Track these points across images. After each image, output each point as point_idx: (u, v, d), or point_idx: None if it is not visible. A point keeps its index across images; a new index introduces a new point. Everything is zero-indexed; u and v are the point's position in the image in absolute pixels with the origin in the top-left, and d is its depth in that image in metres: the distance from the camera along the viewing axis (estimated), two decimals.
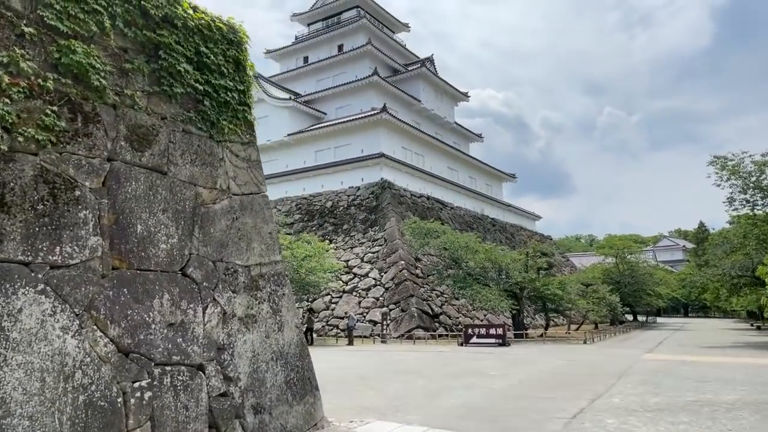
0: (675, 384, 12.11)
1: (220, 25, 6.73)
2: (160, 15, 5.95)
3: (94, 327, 4.82)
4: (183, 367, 5.49)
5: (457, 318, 34.11)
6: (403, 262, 33.71)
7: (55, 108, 4.88)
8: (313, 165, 44.51)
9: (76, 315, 4.70)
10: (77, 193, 4.90)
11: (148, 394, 5.07)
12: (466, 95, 60.19)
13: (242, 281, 6.55)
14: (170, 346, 5.42)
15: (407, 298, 31.50)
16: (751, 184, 25.84)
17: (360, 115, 43.77)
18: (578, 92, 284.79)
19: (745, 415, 8.42)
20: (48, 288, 4.52)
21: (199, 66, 6.42)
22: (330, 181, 42.88)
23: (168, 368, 5.34)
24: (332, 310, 33.63)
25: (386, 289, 32.96)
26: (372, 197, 39.63)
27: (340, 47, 53.80)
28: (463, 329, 27.50)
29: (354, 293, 33.90)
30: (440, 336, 29.90)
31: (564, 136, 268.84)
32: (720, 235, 36.83)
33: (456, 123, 59.19)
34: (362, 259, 35.89)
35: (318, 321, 32.99)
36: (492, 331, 26.36)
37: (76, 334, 4.67)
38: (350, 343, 27.02)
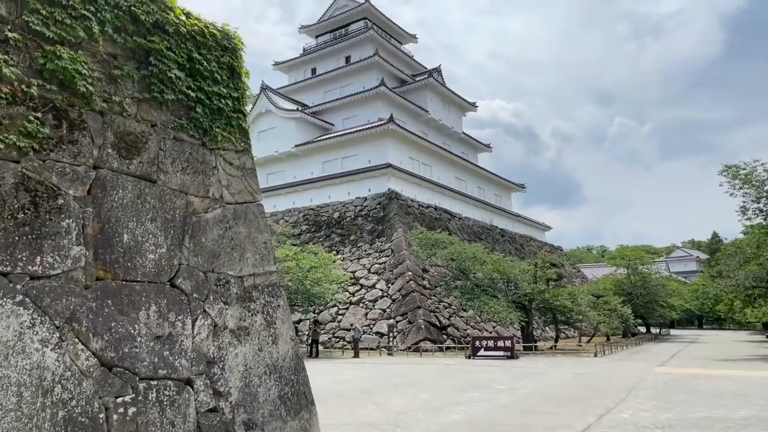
0: (687, 399, 11.72)
1: (214, 31, 6.63)
2: (151, 21, 5.85)
3: (76, 340, 4.66)
4: (170, 382, 5.30)
5: (466, 330, 33.69)
6: (410, 273, 33.43)
7: (38, 114, 4.77)
8: (320, 176, 44.52)
9: (57, 327, 4.54)
10: (60, 201, 4.77)
11: (132, 410, 4.89)
12: (474, 105, 60.11)
13: (235, 292, 6.38)
14: (156, 359, 5.24)
15: (414, 309, 31.17)
16: (765, 193, 25.35)
17: (367, 126, 43.79)
18: (588, 102, 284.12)
19: None
20: (27, 299, 4.38)
21: (192, 72, 6.31)
22: (337, 192, 42.82)
23: (153, 383, 5.15)
24: (339, 321, 33.36)
25: (393, 300, 32.66)
26: (379, 208, 39.48)
27: (348, 59, 54.05)
28: (471, 341, 27.10)
29: (361, 305, 33.63)
30: (448, 348, 29.50)
31: (574, 146, 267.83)
32: (733, 245, 36.17)
33: (464, 133, 59.07)
34: (369, 270, 35.65)
35: (324, 333, 32.73)
36: (500, 343, 25.94)
37: (56, 347, 4.51)
38: (356, 355, 26.71)
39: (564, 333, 42.06)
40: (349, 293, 34.30)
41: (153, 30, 5.91)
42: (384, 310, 32.41)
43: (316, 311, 32.95)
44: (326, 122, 49.63)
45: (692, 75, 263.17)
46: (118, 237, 5.21)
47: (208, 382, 5.72)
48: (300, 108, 49.01)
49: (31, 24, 4.83)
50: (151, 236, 5.52)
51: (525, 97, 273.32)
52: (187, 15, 6.39)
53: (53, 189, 4.75)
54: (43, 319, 4.46)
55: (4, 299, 4.21)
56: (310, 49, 58.25)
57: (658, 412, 9.97)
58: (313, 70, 56.41)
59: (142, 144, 5.67)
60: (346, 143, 44.09)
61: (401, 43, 60.59)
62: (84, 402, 4.59)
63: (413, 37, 62.90)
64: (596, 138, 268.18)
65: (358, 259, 37.04)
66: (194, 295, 5.84)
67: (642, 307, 47.79)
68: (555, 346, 32.52)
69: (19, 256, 4.39)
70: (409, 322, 30.79)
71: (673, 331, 68.84)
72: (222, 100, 6.62)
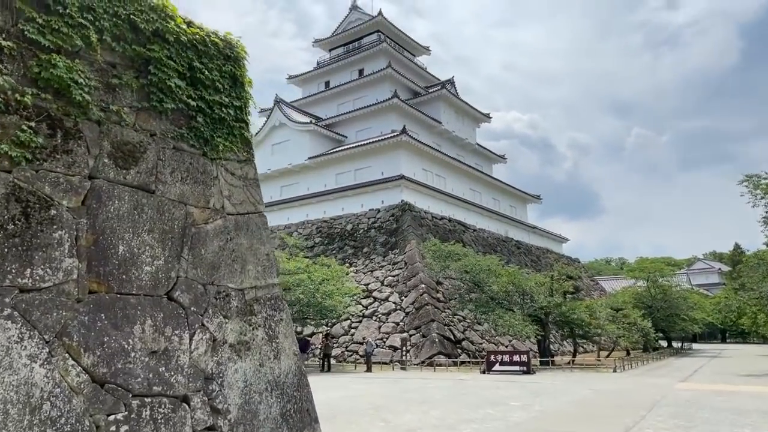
0: (710, 417, 11.22)
1: (216, 40, 6.54)
2: (151, 29, 5.77)
3: (66, 355, 4.51)
4: (165, 399, 5.12)
5: (481, 344, 33.13)
6: (423, 285, 33.07)
7: (32, 124, 4.68)
8: (333, 188, 44.52)
9: (46, 342, 4.40)
10: (53, 212, 4.65)
11: (124, 428, 4.71)
12: (487, 116, 59.86)
13: (235, 305, 6.20)
14: (151, 375, 5.06)
15: (428, 323, 30.75)
16: None
17: (380, 138, 43.78)
18: (605, 113, 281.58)
19: None
20: (15, 313, 4.24)
21: (193, 81, 6.21)
22: (350, 204, 42.75)
23: (147, 400, 4.97)
24: (352, 335, 33.05)
25: (406, 313, 32.28)
26: (392, 219, 39.28)
27: (361, 71, 54.31)
28: (486, 356, 26.58)
29: (374, 318, 33.30)
30: (462, 363, 28.98)
31: (592, 157, 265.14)
32: (756, 256, 35.14)
33: (478, 144, 58.78)
34: (382, 283, 35.36)
35: (337, 346, 32.43)
36: (516, 357, 25.40)
37: (45, 362, 4.36)
38: (369, 369, 26.35)
39: (582, 347, 41.16)
40: (362, 306, 34.01)
41: (153, 38, 5.83)
42: (397, 324, 32.04)
43: (329, 324, 32.70)
44: (340, 134, 49.78)
45: (710, 84, 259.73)
46: (113, 249, 5.07)
47: (206, 399, 5.53)
48: (313, 121, 49.25)
49: (26, 32, 4.76)
50: (147, 248, 5.38)
51: (540, 109, 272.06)
52: (189, 24, 6.31)
53: (46, 199, 4.64)
54: (32, 333, 4.32)
55: None
56: (323, 63, 58.69)
57: (680, 431, 9.52)
58: (327, 83, 56.76)
59: (140, 154, 5.56)
60: (359, 155, 44.10)
61: (414, 56, 60.75)
62: (74, 420, 4.42)
63: (426, 50, 63.06)
64: (614, 149, 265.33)
65: (371, 271, 36.79)
66: (192, 308, 5.67)
67: (663, 321, 46.64)
68: (573, 360, 31.77)
69: (8, 269, 4.26)
70: (423, 336, 30.37)
71: (695, 345, 67.12)
72: (224, 109, 6.51)
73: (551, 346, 34.03)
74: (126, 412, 4.77)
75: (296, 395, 6.67)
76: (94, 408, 4.58)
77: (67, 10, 5.04)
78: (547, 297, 29.68)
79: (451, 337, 31.26)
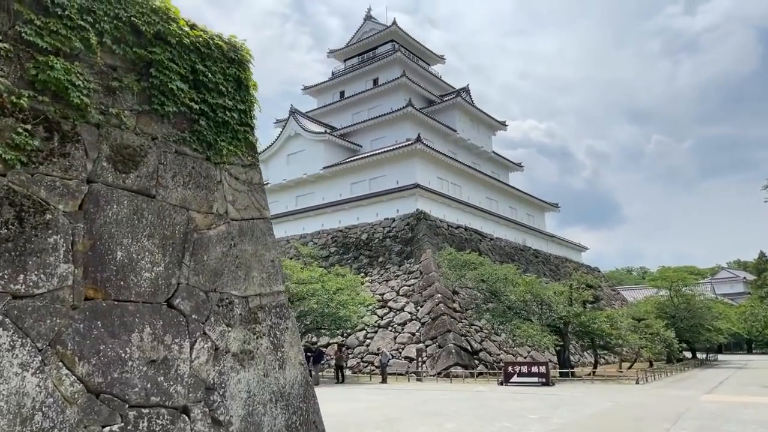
0: (736, 430, 10.71)
1: (220, 43, 6.43)
2: (152, 32, 5.68)
3: (60, 364, 4.37)
4: (163, 410, 4.94)
5: (498, 355, 32.53)
6: (439, 295, 32.66)
7: (28, 126, 4.58)
8: (348, 197, 44.47)
9: (39, 350, 4.26)
10: (48, 216, 4.53)
11: None
12: (503, 124, 59.46)
13: (238, 313, 6.02)
14: (149, 385, 4.89)
15: (444, 333, 30.31)
16: None
17: (394, 147, 43.68)
18: (623, 120, 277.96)
19: None
20: (7, 320, 4.11)
21: (196, 84, 6.10)
22: (365, 213, 42.62)
23: (145, 411, 4.80)
24: (367, 345, 32.72)
25: (422, 323, 31.88)
26: (407, 228, 39.01)
27: (375, 81, 54.42)
28: (503, 367, 26.05)
29: (389, 328, 32.96)
30: (480, 374, 28.44)
31: (611, 165, 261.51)
32: None
33: (494, 152, 58.35)
34: (398, 293, 35.04)
35: (353, 357, 32.13)
36: (534, 369, 24.82)
37: (38, 371, 4.21)
38: (384, 381, 25.99)
39: (603, 358, 40.21)
40: (378, 316, 33.70)
41: (155, 41, 5.73)
42: (413, 334, 31.65)
43: (344, 335, 32.43)
44: (354, 144, 49.82)
45: (730, 91, 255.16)
46: (110, 254, 4.94)
47: (207, 410, 5.34)
48: (328, 130, 49.40)
49: (23, 34, 4.69)
50: (147, 254, 5.24)
51: (557, 117, 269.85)
52: (192, 26, 6.22)
53: (41, 203, 4.52)
54: (24, 341, 4.18)
55: None
56: (338, 73, 58.99)
57: None
58: (342, 93, 56.98)
59: (140, 157, 5.44)
60: (374, 164, 44.02)
61: (429, 64, 60.75)
62: (67, 431, 4.27)
63: (441, 58, 63.04)
64: (633, 156, 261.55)
65: (387, 281, 36.50)
66: (193, 316, 5.51)
67: (687, 331, 45.40)
68: (594, 372, 30.99)
69: (1, 274, 4.14)
70: (439, 347, 29.93)
71: (720, 356, 65.26)
72: (227, 113, 6.38)
73: (571, 357, 33.27)
74: (122, 424, 4.60)
75: (302, 406, 6.44)
76: (88, 419, 4.42)
77: (66, 12, 4.96)
78: (566, 306, 29.05)
79: (468, 347, 30.75)
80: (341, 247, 41.90)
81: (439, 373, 27.98)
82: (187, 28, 6.07)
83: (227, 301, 5.93)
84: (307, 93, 60.38)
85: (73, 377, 4.41)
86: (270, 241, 6.73)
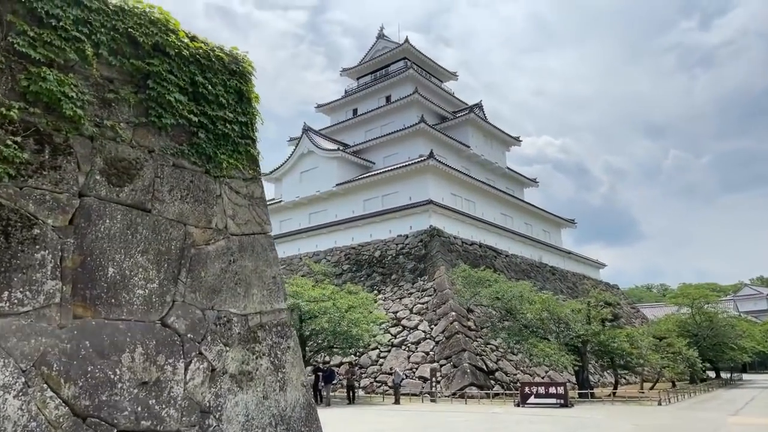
0: None
1: (221, 54, 6.32)
2: (150, 43, 5.58)
3: (44, 386, 4.16)
4: None
5: (515, 375, 31.75)
6: (453, 313, 32.11)
7: (18, 139, 4.46)
8: (361, 214, 44.30)
9: (22, 371, 4.06)
10: (36, 231, 4.37)
11: None
12: (517, 139, 59.12)
13: (237, 332, 5.78)
14: (140, 408, 4.66)
15: (459, 352, 29.69)
16: None
17: (407, 163, 43.54)
18: (639, 136, 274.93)
19: None
20: None
21: (195, 96, 5.97)
22: (378, 230, 42.36)
23: None
24: (380, 365, 32.18)
25: (436, 342, 31.30)
26: (421, 245, 38.63)
27: (388, 98, 54.60)
28: (520, 387, 25.35)
29: (403, 347, 32.41)
30: (496, 395, 27.72)
31: (628, 180, 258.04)
32: None
33: (508, 168, 57.91)
34: (411, 311, 34.54)
35: (366, 377, 31.59)
36: (552, 390, 24.08)
37: (21, 393, 4.01)
38: (397, 401, 25.42)
39: (624, 378, 39.06)
40: (391, 335, 33.19)
41: (153, 52, 5.63)
42: (427, 353, 31.06)
43: (357, 354, 31.96)
44: (367, 161, 49.82)
45: (748, 105, 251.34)
46: (102, 271, 4.75)
47: None
48: (341, 147, 49.50)
49: (16, 45, 4.59)
50: (141, 270, 5.05)
51: (573, 133, 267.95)
52: (192, 38, 6.12)
53: (29, 218, 4.37)
54: (6, 361, 3.99)
55: None
56: (351, 91, 59.36)
57: None
58: (355, 111, 57.24)
59: (135, 170, 5.29)
60: (387, 181, 43.88)
61: (441, 81, 60.89)
62: None
63: (453, 75, 63.17)
64: (651, 172, 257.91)
65: (400, 299, 36.04)
66: (189, 335, 5.28)
67: (710, 350, 44.01)
68: (614, 393, 30.02)
69: None
70: (454, 366, 29.30)
71: (745, 376, 63.16)
72: (228, 125, 6.23)
73: (590, 378, 32.33)
74: None
75: (304, 430, 6.15)
76: None
77: (61, 23, 4.87)
78: (584, 325, 28.29)
79: (484, 367, 30.06)
80: (354, 264, 41.61)
81: (454, 394, 27.32)
82: (186, 40, 5.96)
83: (225, 319, 5.70)
84: (321, 111, 60.79)
85: (59, 400, 4.20)
86: (272, 257, 6.52)
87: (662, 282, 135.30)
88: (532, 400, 23.59)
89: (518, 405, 23.69)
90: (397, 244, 40.40)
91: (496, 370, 30.93)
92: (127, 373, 4.65)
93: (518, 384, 27.80)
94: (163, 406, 4.82)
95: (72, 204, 4.68)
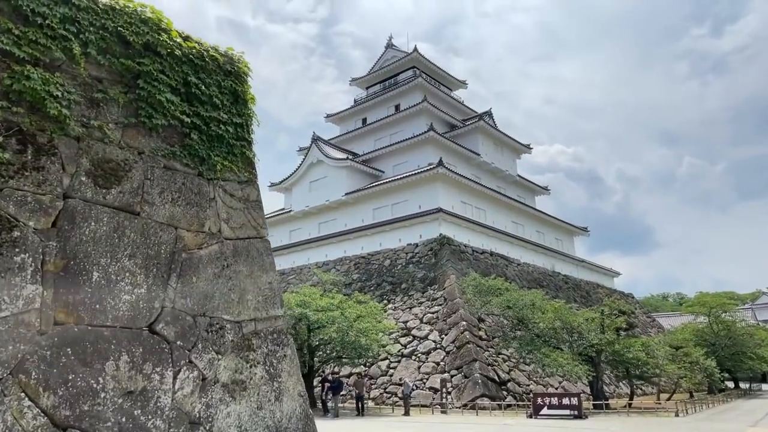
0: None
1: (215, 55, 6.18)
2: (141, 42, 5.44)
3: (22, 395, 3.97)
4: None
5: (528, 385, 31.15)
6: (464, 322, 31.65)
7: None
8: (370, 223, 44.09)
9: None
10: (15, 233, 4.21)
11: None
12: (528, 147, 58.66)
13: (230, 339, 5.57)
14: (124, 419, 4.45)
15: (470, 362, 29.20)
16: None
17: (416, 171, 43.33)
18: (653, 143, 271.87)
19: None
20: None
21: (188, 97, 5.82)
22: (388, 239, 42.10)
23: None
24: (390, 375, 31.76)
25: (447, 352, 30.83)
26: (431, 254, 38.27)
27: (397, 107, 54.56)
28: (532, 398, 24.80)
29: (413, 357, 31.98)
30: (508, 406, 27.16)
31: (642, 188, 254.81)
32: None
33: (519, 176, 57.44)
34: (421, 320, 34.12)
35: (375, 387, 31.18)
36: (566, 400, 23.51)
37: None
38: (406, 413, 24.98)
39: (640, 389, 38.17)
40: (401, 345, 32.79)
41: (144, 52, 5.49)
42: (437, 363, 30.60)
43: (367, 364, 31.58)
44: (376, 169, 49.70)
45: (763, 111, 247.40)
46: (85, 275, 4.57)
47: None
48: (350, 156, 49.46)
49: (0, 44, 4.48)
50: (128, 274, 4.86)
51: (585, 141, 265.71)
52: (186, 38, 5.98)
53: (9, 220, 4.21)
54: None
55: None
56: (360, 100, 59.45)
57: None
58: (364, 120, 57.27)
59: (123, 172, 5.13)
60: (396, 189, 43.69)
61: (451, 90, 60.77)
62: None
63: (463, 83, 63.04)
64: (665, 180, 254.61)
65: (410, 308, 35.66)
66: (178, 342, 5.08)
67: (728, 360, 42.98)
68: (630, 403, 29.29)
69: None
70: (465, 377, 28.80)
71: (764, 386, 61.59)
72: (222, 126, 6.07)
73: (605, 388, 31.62)
74: None
75: None
76: None
77: (47, 22, 4.75)
78: (597, 334, 27.69)
79: (495, 377, 29.51)
80: (364, 273, 41.34)
81: (465, 405, 26.82)
82: (179, 40, 5.83)
83: (218, 326, 5.50)
84: (330, 121, 60.93)
85: (37, 410, 4.01)
86: (267, 262, 6.31)
87: (678, 291, 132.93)
88: (545, 411, 23.05)
89: (531, 416, 23.16)
90: (406, 253, 40.09)
91: (509, 380, 30.37)
92: (111, 381, 4.45)
93: (531, 395, 27.24)
94: (149, 417, 4.61)
95: (55, 206, 4.53)
